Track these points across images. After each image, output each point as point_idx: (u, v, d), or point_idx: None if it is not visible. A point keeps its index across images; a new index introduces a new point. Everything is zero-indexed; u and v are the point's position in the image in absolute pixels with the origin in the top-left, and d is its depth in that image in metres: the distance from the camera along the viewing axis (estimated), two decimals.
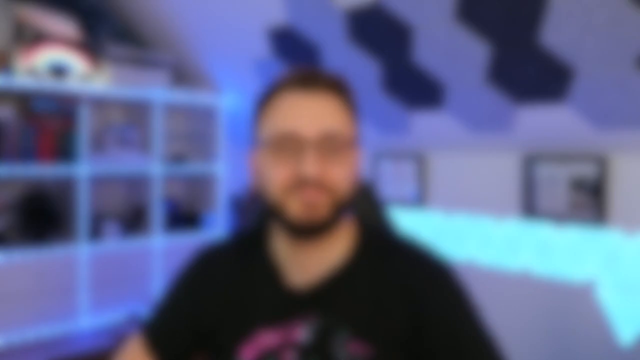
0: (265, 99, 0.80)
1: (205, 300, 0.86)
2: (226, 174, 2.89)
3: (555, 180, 1.91)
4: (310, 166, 0.72)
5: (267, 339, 0.79)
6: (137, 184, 2.70)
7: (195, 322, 0.86)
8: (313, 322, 0.78)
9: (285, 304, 0.80)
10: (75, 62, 2.31)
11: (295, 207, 0.74)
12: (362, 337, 0.76)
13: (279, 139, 0.74)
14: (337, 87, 0.78)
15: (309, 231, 0.75)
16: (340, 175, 0.75)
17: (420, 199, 2.34)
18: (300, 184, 0.73)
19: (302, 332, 0.77)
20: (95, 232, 2.43)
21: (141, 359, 0.85)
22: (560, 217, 1.90)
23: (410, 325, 0.76)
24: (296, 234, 0.76)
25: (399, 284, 0.79)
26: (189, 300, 0.87)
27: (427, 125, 2.16)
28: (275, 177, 0.75)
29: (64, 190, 2.42)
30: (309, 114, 0.75)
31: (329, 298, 0.79)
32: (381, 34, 1.91)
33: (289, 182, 0.73)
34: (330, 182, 0.74)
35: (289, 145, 0.74)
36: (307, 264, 0.80)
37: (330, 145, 0.74)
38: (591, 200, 1.81)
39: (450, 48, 1.78)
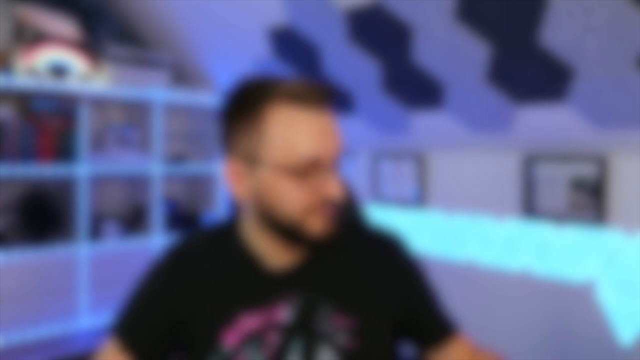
0: (250, 107, 0.75)
1: (180, 294, 0.83)
2: None
3: (555, 180, 1.91)
4: (336, 189, 0.75)
5: (249, 322, 0.79)
6: (137, 184, 2.70)
7: (170, 317, 0.83)
8: (294, 301, 0.80)
9: (265, 287, 0.81)
10: (75, 62, 2.31)
11: (318, 225, 0.76)
12: (345, 309, 0.79)
13: (303, 166, 0.73)
14: (332, 98, 0.76)
15: (325, 245, 0.78)
16: (341, 185, 0.77)
17: (420, 199, 2.34)
18: (323, 204, 0.75)
19: (284, 312, 0.79)
20: (95, 232, 2.43)
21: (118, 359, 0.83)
22: (560, 217, 1.89)
23: (387, 297, 0.83)
24: (313, 248, 0.79)
25: (372, 262, 0.86)
26: (163, 295, 0.84)
27: (427, 125, 2.16)
28: (296, 199, 0.74)
29: (64, 190, 2.42)
30: (325, 135, 0.74)
31: (308, 276, 0.81)
32: (381, 34, 1.91)
33: (313, 204, 0.75)
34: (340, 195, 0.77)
35: (312, 169, 0.74)
36: (288, 253, 0.82)
37: (339, 161, 0.77)
38: (591, 200, 1.81)
39: (450, 48, 1.78)
